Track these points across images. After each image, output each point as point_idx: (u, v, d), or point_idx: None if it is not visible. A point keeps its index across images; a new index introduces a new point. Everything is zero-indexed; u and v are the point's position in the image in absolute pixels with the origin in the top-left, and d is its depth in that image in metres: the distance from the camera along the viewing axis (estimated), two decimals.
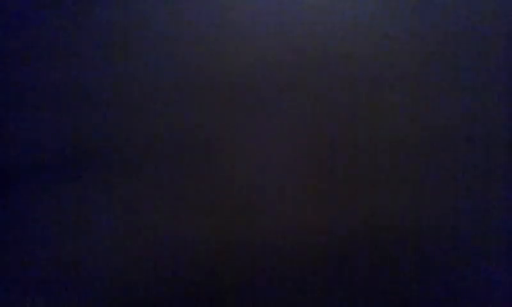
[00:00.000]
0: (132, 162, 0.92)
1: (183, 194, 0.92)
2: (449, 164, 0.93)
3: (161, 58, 0.93)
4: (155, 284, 0.91)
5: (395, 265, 0.91)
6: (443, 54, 0.94)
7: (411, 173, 0.92)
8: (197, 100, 0.93)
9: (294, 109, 0.93)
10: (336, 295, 0.91)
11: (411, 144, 0.93)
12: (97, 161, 0.92)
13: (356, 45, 0.94)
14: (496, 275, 0.91)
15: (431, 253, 0.91)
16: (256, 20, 0.94)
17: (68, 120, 0.92)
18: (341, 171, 0.92)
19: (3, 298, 0.90)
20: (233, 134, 0.92)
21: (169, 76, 0.93)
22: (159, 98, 0.93)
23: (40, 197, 0.91)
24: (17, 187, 0.91)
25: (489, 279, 0.91)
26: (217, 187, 0.92)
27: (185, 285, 0.91)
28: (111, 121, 0.92)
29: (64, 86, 0.93)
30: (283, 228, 0.92)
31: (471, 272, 0.91)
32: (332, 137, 0.93)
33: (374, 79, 0.93)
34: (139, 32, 0.94)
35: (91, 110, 0.92)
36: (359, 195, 0.92)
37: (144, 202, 0.91)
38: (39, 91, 0.93)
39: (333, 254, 0.91)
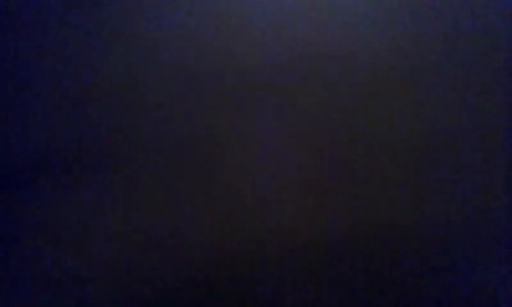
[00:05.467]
0: (133, 161, 0.92)
1: (184, 193, 0.92)
2: (449, 164, 0.93)
3: (162, 58, 0.93)
4: (156, 284, 0.91)
5: (395, 265, 0.91)
6: (443, 54, 0.94)
7: (411, 173, 0.92)
8: (198, 100, 0.93)
9: (294, 109, 0.93)
10: (337, 294, 0.91)
11: (411, 144, 0.93)
12: (98, 161, 0.92)
13: (356, 45, 0.94)
14: (496, 275, 0.91)
15: (431, 253, 0.91)
16: (257, 20, 0.94)
17: (69, 120, 0.92)
18: (341, 170, 0.92)
19: (3, 298, 0.90)
20: (234, 134, 0.92)
21: (170, 76, 0.93)
22: (159, 98, 0.93)
23: (40, 197, 0.91)
24: (17, 187, 0.91)
25: (489, 279, 0.91)
26: (218, 186, 0.92)
27: (186, 284, 0.91)
28: (112, 121, 0.92)
29: (65, 86, 0.93)
30: (283, 227, 0.91)
31: (471, 272, 0.91)
32: (332, 137, 0.93)
33: (374, 79, 0.93)
34: (140, 33, 0.94)
35: (91, 111, 0.92)
36: (359, 195, 0.92)
37: (145, 202, 0.91)
38: (39, 91, 0.93)
39: (333, 254, 0.91)
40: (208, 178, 0.92)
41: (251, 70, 0.93)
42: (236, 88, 0.93)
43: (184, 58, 0.93)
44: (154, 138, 0.92)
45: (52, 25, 0.93)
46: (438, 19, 0.94)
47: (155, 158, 0.92)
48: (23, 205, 0.91)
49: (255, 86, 0.93)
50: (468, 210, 0.92)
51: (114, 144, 0.92)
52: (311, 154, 0.92)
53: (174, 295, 0.91)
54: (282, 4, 0.94)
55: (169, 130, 0.92)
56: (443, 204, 0.92)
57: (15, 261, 0.90)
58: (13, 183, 0.91)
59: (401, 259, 0.91)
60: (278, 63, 0.93)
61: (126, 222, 0.91)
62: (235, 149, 0.92)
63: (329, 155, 0.92)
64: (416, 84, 0.94)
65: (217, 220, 0.91)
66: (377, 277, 0.91)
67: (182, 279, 0.91)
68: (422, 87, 0.93)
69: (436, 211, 0.92)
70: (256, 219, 0.91)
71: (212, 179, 0.92)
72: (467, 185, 0.92)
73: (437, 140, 0.93)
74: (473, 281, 0.91)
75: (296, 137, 0.92)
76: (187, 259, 0.91)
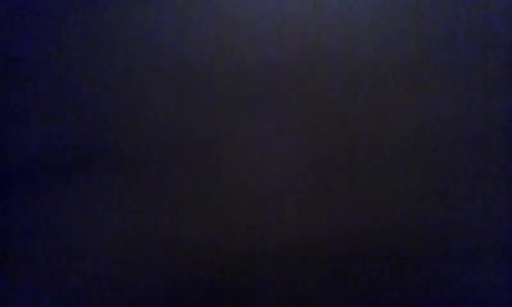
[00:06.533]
0: (132, 161, 0.92)
1: (183, 193, 0.92)
2: (449, 164, 0.93)
3: (162, 59, 0.93)
4: (156, 284, 0.91)
5: (394, 265, 0.91)
6: (443, 54, 0.94)
7: (411, 173, 0.92)
8: (197, 100, 0.93)
9: (294, 110, 0.93)
10: (337, 294, 0.91)
11: (411, 144, 0.93)
12: (97, 161, 0.92)
13: (356, 45, 0.94)
14: (496, 276, 0.91)
15: (431, 254, 0.91)
16: (257, 20, 0.94)
17: (69, 120, 0.92)
18: (341, 170, 0.92)
19: (4, 298, 0.90)
20: (234, 134, 0.92)
21: (170, 76, 0.93)
22: (159, 98, 0.93)
23: (41, 197, 0.91)
24: (17, 187, 0.91)
25: (489, 279, 0.91)
26: (217, 187, 0.92)
27: (186, 284, 0.91)
28: (112, 121, 0.92)
29: (65, 86, 0.93)
30: (283, 227, 0.91)
31: (471, 272, 0.91)
32: (333, 136, 0.93)
33: (374, 79, 0.93)
34: (140, 33, 0.94)
35: (91, 111, 0.92)
36: (359, 195, 0.92)
37: (145, 202, 0.91)
38: (39, 91, 0.93)
39: (333, 254, 0.91)
40: (209, 178, 0.92)
41: (251, 70, 0.93)
42: (236, 88, 0.93)
43: (184, 58, 0.93)
44: (154, 138, 0.92)
45: (52, 25, 0.93)
46: (438, 19, 0.94)
47: (155, 158, 0.92)
48: (23, 205, 0.91)
49: (255, 86, 0.93)
50: (468, 210, 0.92)
51: (115, 145, 0.92)
52: (311, 154, 0.92)
53: (174, 295, 0.91)
54: (282, 4, 0.94)
55: (169, 130, 0.92)
56: (443, 205, 0.92)
57: (15, 260, 0.90)
58: (13, 183, 0.91)
59: (401, 260, 0.91)
60: (278, 63, 0.93)
61: (126, 223, 0.91)
62: (235, 149, 0.92)
63: (330, 155, 0.92)
64: (416, 83, 0.94)
65: (217, 220, 0.91)
66: (377, 277, 0.91)
67: (182, 280, 0.91)
68: (423, 87, 0.94)
69: (435, 211, 0.92)
70: (257, 220, 0.91)
71: (212, 179, 0.92)
72: (467, 185, 0.92)
73: (437, 140, 0.93)
74: (473, 281, 0.91)
75: (296, 137, 0.92)
76: (187, 260, 0.91)
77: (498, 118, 0.93)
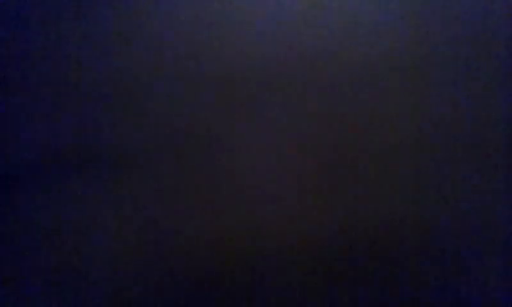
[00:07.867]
0: (132, 160, 0.92)
1: (183, 192, 0.92)
2: (449, 164, 0.93)
3: (161, 58, 0.93)
4: (155, 283, 0.91)
5: (394, 265, 0.91)
6: (443, 54, 0.94)
7: (411, 173, 0.92)
8: (197, 99, 0.93)
9: (293, 109, 0.93)
10: (336, 294, 0.91)
11: (411, 144, 0.93)
12: (97, 160, 0.92)
13: (356, 45, 0.94)
14: (495, 275, 0.92)
15: (430, 253, 0.92)
16: (256, 19, 0.94)
17: (69, 120, 0.92)
18: (341, 170, 0.92)
19: (4, 298, 0.90)
20: (234, 133, 0.92)
21: (169, 76, 0.93)
22: (158, 97, 0.93)
23: (40, 197, 0.91)
24: (17, 187, 0.91)
25: (489, 279, 0.91)
26: (217, 185, 0.92)
27: (185, 283, 0.91)
28: (111, 120, 0.92)
29: (64, 85, 0.93)
30: (283, 226, 0.92)
31: (470, 271, 0.92)
32: (332, 136, 0.93)
33: (374, 79, 0.94)
34: (138, 32, 0.94)
35: (91, 110, 0.92)
36: (359, 195, 0.92)
37: (145, 201, 0.91)
38: (39, 90, 0.93)
39: (333, 254, 0.91)
40: (208, 178, 0.92)
41: (252, 70, 0.93)
42: (236, 88, 0.93)
43: (184, 57, 0.93)
44: (154, 138, 0.92)
45: (52, 24, 0.93)
46: (438, 19, 0.95)
47: (155, 158, 0.92)
48: (23, 205, 0.91)
49: (255, 86, 0.93)
50: (468, 209, 0.92)
51: (114, 144, 0.92)
52: (311, 154, 0.92)
53: (173, 295, 0.91)
54: (282, 5, 0.94)
55: (169, 130, 0.92)
56: (443, 205, 0.92)
57: (15, 261, 0.90)
58: (13, 183, 0.91)
59: (401, 260, 0.91)
60: (278, 64, 0.93)
61: (126, 223, 0.91)
62: (234, 149, 0.92)
63: (330, 155, 0.92)
64: (416, 84, 0.94)
65: (217, 220, 0.91)
66: (376, 277, 0.91)
67: (182, 280, 0.91)
68: (422, 87, 0.94)
69: (435, 211, 0.92)
70: (256, 219, 0.91)
71: (212, 179, 0.92)
72: (467, 185, 0.92)
73: (437, 140, 0.93)
74: (473, 280, 0.91)
75: (296, 137, 0.93)
76: (187, 260, 0.91)
77: (498, 118, 0.93)
